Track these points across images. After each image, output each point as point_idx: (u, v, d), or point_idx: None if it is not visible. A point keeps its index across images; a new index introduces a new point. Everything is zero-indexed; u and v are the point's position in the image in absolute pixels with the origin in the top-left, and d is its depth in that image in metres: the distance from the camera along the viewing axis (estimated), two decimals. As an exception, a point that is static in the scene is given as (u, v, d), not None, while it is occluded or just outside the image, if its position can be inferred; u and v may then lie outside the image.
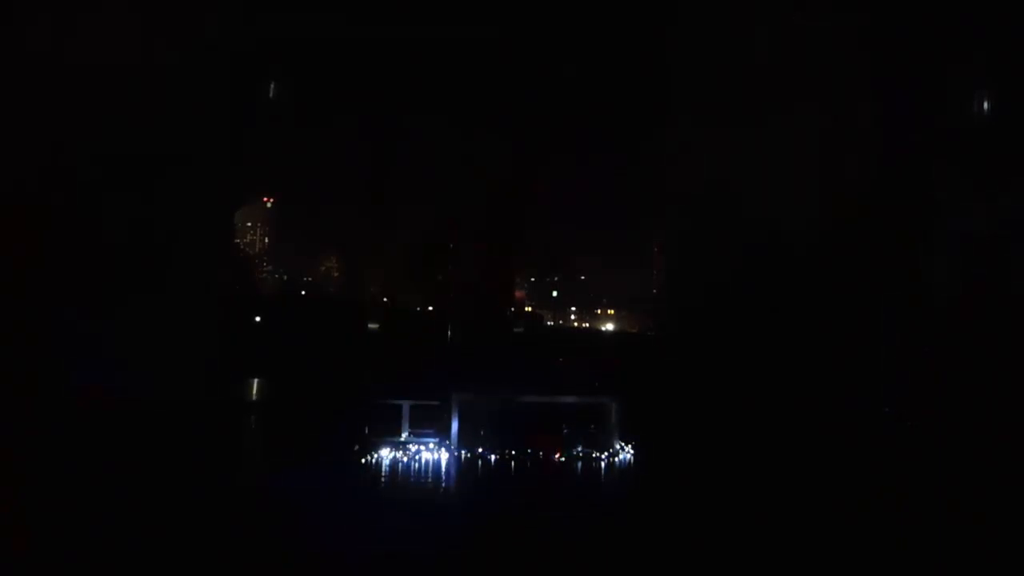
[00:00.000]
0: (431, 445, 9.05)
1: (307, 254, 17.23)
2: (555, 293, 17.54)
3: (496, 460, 8.91)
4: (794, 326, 10.58)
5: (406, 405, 9.46)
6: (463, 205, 11.40)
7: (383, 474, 8.00)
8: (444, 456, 8.86)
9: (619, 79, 12.62)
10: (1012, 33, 8.66)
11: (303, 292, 16.82)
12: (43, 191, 9.42)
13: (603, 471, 8.80)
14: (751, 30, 11.23)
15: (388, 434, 9.29)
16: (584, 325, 17.65)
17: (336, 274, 16.92)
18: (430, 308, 13.30)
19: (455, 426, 9.14)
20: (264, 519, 6.27)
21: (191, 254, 10.79)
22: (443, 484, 7.78)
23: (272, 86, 12.06)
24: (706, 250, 12.23)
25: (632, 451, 9.35)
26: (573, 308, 17.66)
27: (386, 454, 8.73)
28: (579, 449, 9.20)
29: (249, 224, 16.71)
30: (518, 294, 16.22)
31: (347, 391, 10.01)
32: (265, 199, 16.82)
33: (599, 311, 17.67)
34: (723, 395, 11.04)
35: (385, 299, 15.44)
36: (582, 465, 8.96)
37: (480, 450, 9.03)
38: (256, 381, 11.21)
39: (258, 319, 12.99)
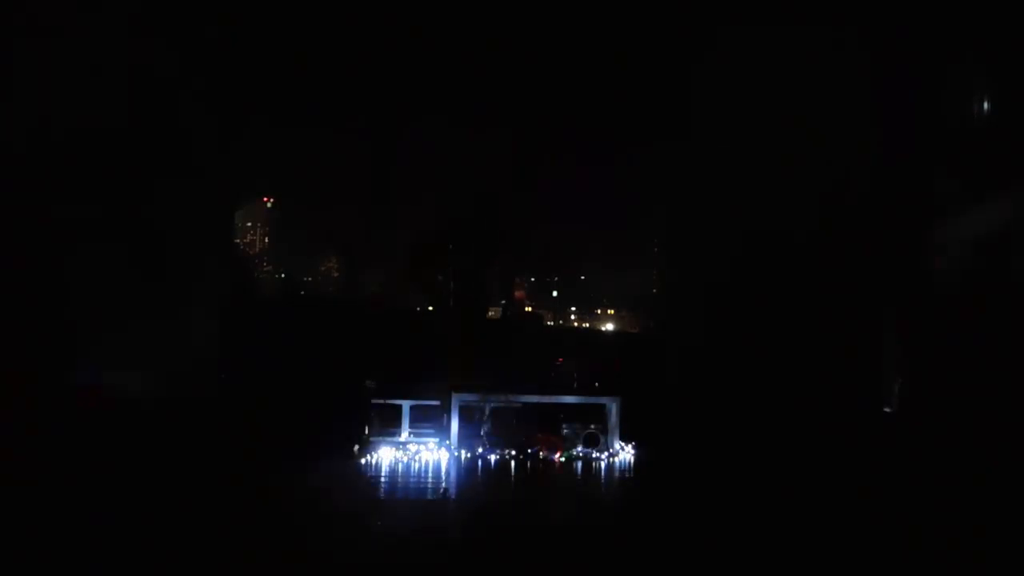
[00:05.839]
0: (431, 445, 9.04)
1: (307, 254, 17.26)
2: (555, 293, 17.55)
3: (496, 460, 8.91)
4: (794, 326, 10.59)
5: (406, 405, 9.47)
6: (463, 205, 11.39)
7: (383, 474, 8.00)
8: (444, 456, 8.86)
9: (619, 79, 12.63)
10: (1012, 33, 8.65)
11: (302, 292, 16.84)
12: (41, 190, 9.43)
13: (603, 471, 8.80)
14: (750, 31, 11.25)
15: (387, 434, 9.30)
16: (584, 325, 17.66)
17: (336, 274, 16.94)
18: (430, 308, 13.29)
19: (455, 426, 9.13)
20: (264, 518, 6.28)
21: (191, 254, 10.82)
22: (443, 483, 7.78)
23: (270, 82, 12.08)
24: (705, 249, 12.25)
25: (632, 451, 9.35)
26: (573, 308, 17.67)
27: (386, 454, 8.73)
28: (579, 449, 9.21)
29: (249, 224, 16.73)
30: (518, 294, 16.21)
31: (346, 391, 10.01)
32: (265, 199, 16.83)
33: (599, 311, 17.69)
34: (723, 395, 11.06)
35: (385, 299, 15.44)
36: (582, 465, 8.96)
37: (480, 450, 9.03)
38: (255, 381, 11.21)
39: (257, 319, 12.98)
